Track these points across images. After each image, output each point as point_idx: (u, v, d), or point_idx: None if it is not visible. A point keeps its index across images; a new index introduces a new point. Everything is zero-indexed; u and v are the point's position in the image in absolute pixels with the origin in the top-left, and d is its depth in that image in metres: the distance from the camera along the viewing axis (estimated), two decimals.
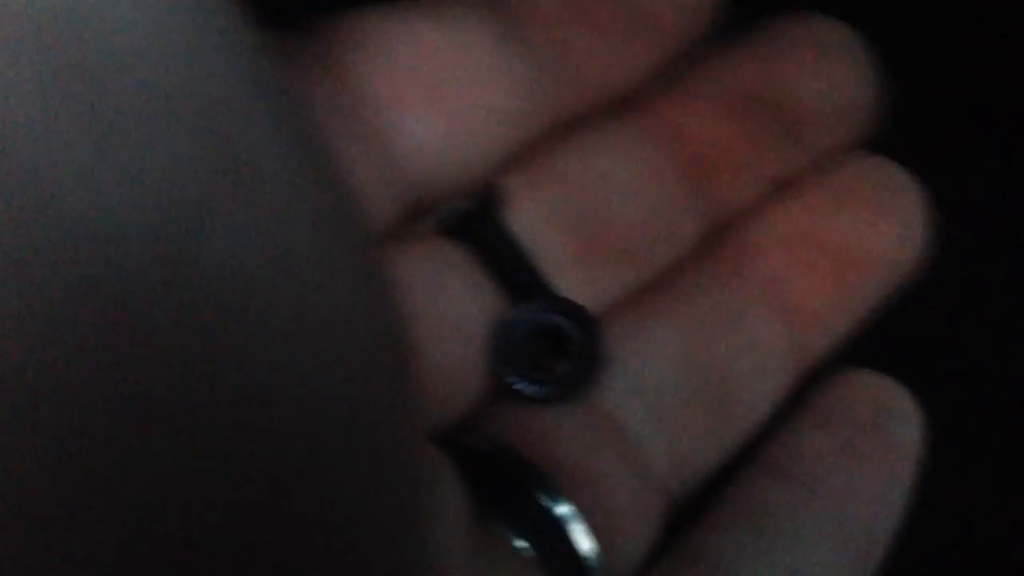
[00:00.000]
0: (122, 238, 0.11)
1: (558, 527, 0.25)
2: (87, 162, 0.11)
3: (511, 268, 0.26)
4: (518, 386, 0.25)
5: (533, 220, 0.26)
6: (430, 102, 0.25)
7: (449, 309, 0.25)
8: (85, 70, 0.11)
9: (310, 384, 0.12)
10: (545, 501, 0.25)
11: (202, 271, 0.11)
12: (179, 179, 0.11)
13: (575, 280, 0.26)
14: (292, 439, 0.12)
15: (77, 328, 0.11)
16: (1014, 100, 0.36)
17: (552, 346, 0.26)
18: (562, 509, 0.25)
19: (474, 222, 0.26)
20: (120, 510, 0.11)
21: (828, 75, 0.27)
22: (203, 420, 0.11)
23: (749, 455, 0.27)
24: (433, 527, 0.18)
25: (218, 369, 0.11)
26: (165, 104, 0.11)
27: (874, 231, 0.28)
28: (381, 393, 0.14)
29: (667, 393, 0.26)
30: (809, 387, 0.28)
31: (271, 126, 0.13)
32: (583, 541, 0.25)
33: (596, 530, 0.25)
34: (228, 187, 0.12)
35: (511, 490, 0.25)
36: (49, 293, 0.10)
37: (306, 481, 0.12)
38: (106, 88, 0.11)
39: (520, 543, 0.24)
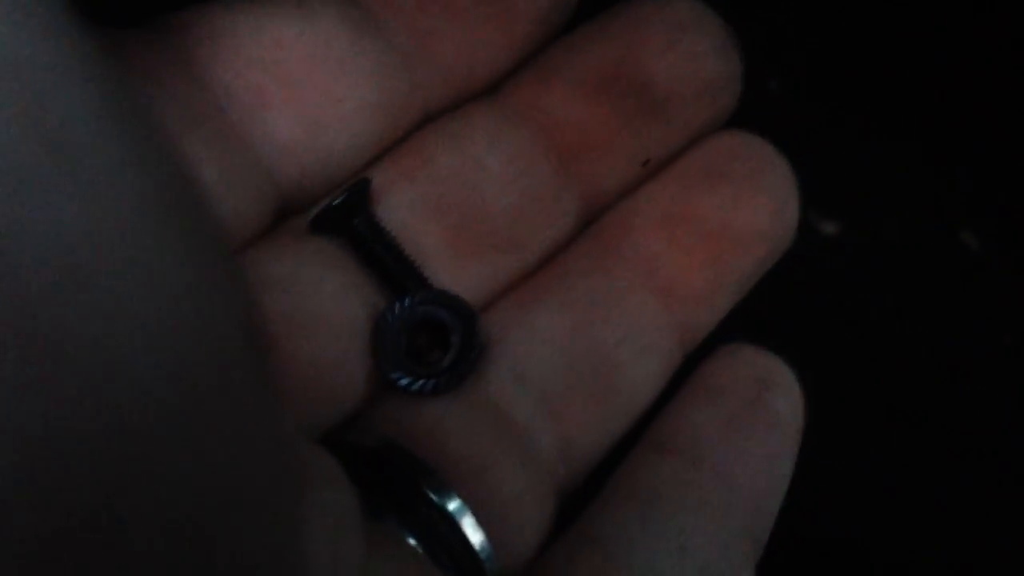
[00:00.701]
0: None
1: (449, 521, 0.24)
2: None
3: (387, 262, 0.26)
4: (401, 381, 0.25)
5: (407, 212, 0.26)
6: (290, 98, 0.25)
7: (327, 307, 0.25)
8: None
9: (143, 359, 0.12)
10: (434, 496, 0.24)
11: (25, 247, 0.11)
12: None
13: (453, 271, 0.26)
14: (126, 411, 0.12)
15: None
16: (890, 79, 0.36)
17: (433, 339, 0.26)
18: (452, 503, 0.24)
19: (346, 217, 0.25)
20: None
21: (686, 53, 0.28)
22: (35, 395, 0.11)
23: (637, 435, 0.27)
24: (305, 517, 0.17)
25: (44, 343, 0.11)
26: None
27: (746, 207, 0.28)
28: (225, 374, 0.13)
29: (551, 379, 0.26)
30: (692, 363, 0.28)
31: (96, 111, 0.12)
32: (474, 533, 0.24)
33: (487, 521, 0.24)
34: (50, 168, 0.11)
35: (400, 486, 0.24)
36: None
37: (141, 450, 0.12)
38: None
39: (412, 539, 0.24)
